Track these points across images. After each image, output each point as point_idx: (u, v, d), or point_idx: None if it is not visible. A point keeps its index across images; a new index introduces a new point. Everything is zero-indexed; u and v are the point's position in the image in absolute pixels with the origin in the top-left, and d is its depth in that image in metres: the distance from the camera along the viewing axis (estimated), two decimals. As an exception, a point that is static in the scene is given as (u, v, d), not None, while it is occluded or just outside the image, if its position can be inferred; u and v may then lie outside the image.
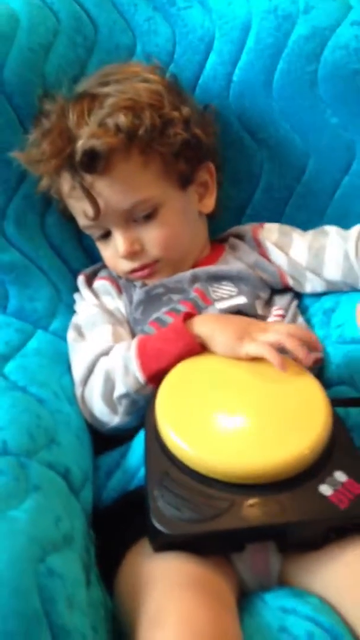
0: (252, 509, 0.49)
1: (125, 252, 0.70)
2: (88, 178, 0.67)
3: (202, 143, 0.72)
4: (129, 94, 0.67)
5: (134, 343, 0.64)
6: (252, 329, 0.60)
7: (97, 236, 0.73)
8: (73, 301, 0.77)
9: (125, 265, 0.72)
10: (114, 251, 0.72)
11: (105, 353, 0.65)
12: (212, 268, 0.73)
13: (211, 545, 0.51)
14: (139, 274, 0.73)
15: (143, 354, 0.62)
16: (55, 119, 0.68)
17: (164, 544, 0.50)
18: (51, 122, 0.68)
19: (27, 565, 0.41)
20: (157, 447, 0.54)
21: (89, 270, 0.79)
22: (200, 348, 0.61)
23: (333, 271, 0.72)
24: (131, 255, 0.71)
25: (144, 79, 0.70)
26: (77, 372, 0.66)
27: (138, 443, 0.60)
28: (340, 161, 0.79)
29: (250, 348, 0.58)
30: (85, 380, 0.65)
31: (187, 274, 0.72)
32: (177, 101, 0.70)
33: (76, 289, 0.78)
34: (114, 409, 0.63)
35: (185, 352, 0.61)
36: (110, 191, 0.67)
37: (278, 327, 0.61)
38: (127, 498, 0.58)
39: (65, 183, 0.69)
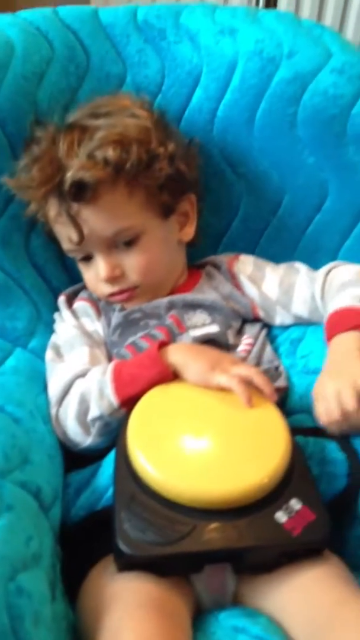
0: (212, 534, 0.52)
1: (106, 277, 0.73)
2: (74, 206, 0.70)
3: (185, 177, 0.75)
4: (118, 129, 0.70)
5: (110, 368, 0.66)
6: (224, 361, 0.64)
7: (79, 258, 0.76)
8: (52, 320, 0.79)
9: (105, 289, 0.75)
10: (95, 274, 0.75)
11: (82, 375, 0.68)
12: (188, 296, 0.76)
13: (172, 566, 0.54)
14: (118, 297, 0.76)
15: (118, 378, 0.65)
16: (46, 146, 0.71)
17: (128, 564, 0.53)
18: (41, 149, 0.71)
19: (-2, 584, 0.44)
20: (126, 469, 0.57)
21: (69, 290, 0.81)
22: (172, 376, 0.64)
23: (301, 308, 0.77)
24: (111, 279, 0.74)
25: (133, 114, 0.73)
26: (53, 392, 0.69)
27: (108, 463, 0.63)
28: (314, 199, 0.83)
29: (222, 379, 0.62)
30: (61, 401, 0.68)
31: (164, 300, 0.75)
32: (163, 137, 0.73)
33: (56, 308, 0.80)
34: (87, 430, 0.66)
35: (158, 379, 0.64)
36: (95, 219, 0.70)
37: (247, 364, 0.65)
38: (95, 517, 0.61)
39: (52, 209, 0.72)
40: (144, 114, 0.74)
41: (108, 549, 0.55)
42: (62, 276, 0.84)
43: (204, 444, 0.58)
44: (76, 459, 0.67)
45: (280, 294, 0.78)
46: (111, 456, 0.62)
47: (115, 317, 0.76)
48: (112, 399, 0.64)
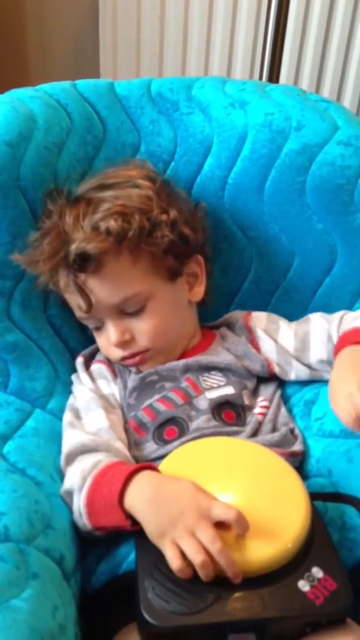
0: (236, 603, 0.52)
1: (116, 342, 0.75)
2: (81, 276, 0.72)
3: (189, 240, 0.77)
4: (121, 200, 0.73)
5: (87, 485, 0.63)
6: (183, 522, 0.55)
7: (91, 326, 0.79)
8: (70, 380, 0.81)
9: (117, 353, 0.77)
10: (107, 339, 0.77)
11: (88, 450, 0.68)
12: (202, 359, 0.78)
13: (196, 636, 0.54)
14: (130, 361, 0.77)
15: (91, 503, 0.62)
16: (55, 220, 0.74)
17: (152, 634, 0.53)
18: (51, 223, 0.74)
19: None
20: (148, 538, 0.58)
21: (87, 351, 0.83)
22: (130, 527, 0.59)
23: (319, 352, 0.77)
24: (122, 344, 0.76)
25: (136, 185, 0.75)
26: (62, 459, 0.69)
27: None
28: (324, 263, 0.86)
29: (167, 553, 0.55)
30: (63, 476, 0.68)
31: (180, 363, 0.77)
32: (165, 204, 0.75)
33: (73, 368, 0.82)
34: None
35: (117, 527, 0.60)
36: (101, 288, 0.73)
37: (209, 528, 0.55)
38: (117, 581, 0.61)
39: (62, 279, 0.75)
40: (147, 183, 0.76)
41: (129, 616, 0.55)
42: (78, 337, 0.85)
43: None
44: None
45: (296, 343, 0.79)
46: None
47: (132, 380, 0.77)
48: (87, 523, 0.63)
